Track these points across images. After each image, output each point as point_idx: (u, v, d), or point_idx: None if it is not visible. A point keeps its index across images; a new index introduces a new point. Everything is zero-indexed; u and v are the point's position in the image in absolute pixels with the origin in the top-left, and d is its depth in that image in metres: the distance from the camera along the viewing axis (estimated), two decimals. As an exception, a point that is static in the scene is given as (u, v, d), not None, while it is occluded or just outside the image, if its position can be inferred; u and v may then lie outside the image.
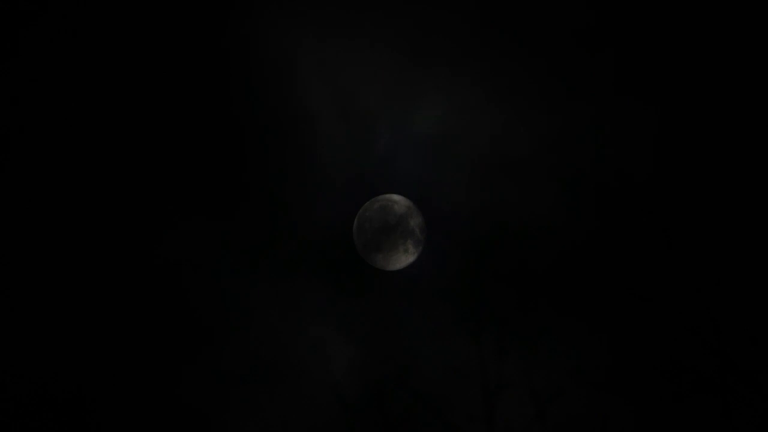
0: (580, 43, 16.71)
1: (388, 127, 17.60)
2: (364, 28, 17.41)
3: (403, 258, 17.77)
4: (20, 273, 16.59)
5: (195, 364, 16.70)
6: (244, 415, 16.64)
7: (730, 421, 15.19)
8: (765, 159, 15.88)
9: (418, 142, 17.59)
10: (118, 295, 16.68)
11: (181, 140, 17.28)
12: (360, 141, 17.60)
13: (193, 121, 17.27)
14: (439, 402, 16.36)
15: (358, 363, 16.81)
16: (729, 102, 16.18)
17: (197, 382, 16.59)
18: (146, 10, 17.22)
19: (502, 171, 17.00)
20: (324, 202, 17.48)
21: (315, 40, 17.39)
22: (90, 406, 16.21)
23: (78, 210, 16.97)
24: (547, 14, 17.02)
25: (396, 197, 17.87)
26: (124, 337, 16.55)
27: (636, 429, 15.70)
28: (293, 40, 17.40)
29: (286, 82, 17.36)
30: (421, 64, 17.39)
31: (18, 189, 16.84)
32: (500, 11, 17.14)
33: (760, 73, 16.12)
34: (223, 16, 17.30)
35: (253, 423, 16.58)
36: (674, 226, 16.08)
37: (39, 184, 16.92)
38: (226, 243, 17.13)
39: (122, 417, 16.22)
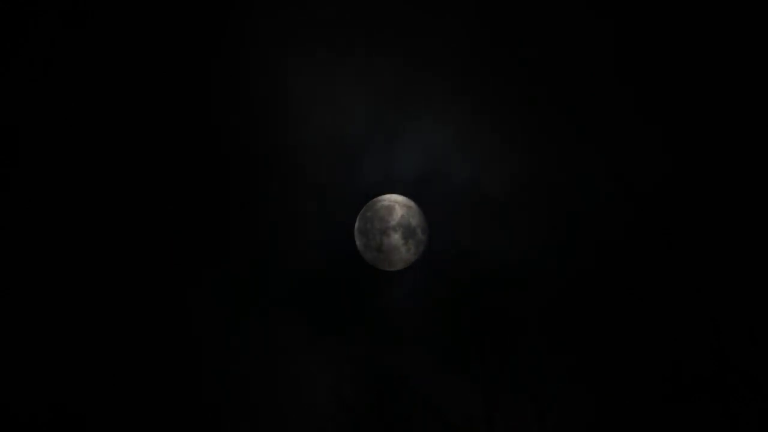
0: (570, 81, 16.94)
1: (376, 164, 17.87)
2: (351, 73, 17.66)
3: (405, 258, 17.89)
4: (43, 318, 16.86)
5: (205, 367, 16.99)
6: (249, 417, 16.89)
7: (730, 421, 15.39)
8: (763, 161, 16.07)
9: (405, 181, 17.93)
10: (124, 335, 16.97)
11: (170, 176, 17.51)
12: (346, 175, 17.84)
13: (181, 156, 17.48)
14: (439, 402, 16.60)
15: (359, 364, 17.02)
16: (723, 105, 16.39)
17: (209, 386, 16.90)
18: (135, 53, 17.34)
19: (490, 210, 17.26)
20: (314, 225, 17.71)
21: (304, 77, 17.60)
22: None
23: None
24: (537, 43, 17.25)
25: (398, 197, 18.02)
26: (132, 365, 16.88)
27: (636, 429, 15.91)
28: (281, 72, 17.65)
29: (274, 119, 17.64)
30: (406, 102, 17.63)
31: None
32: (493, 45, 17.37)
33: (750, 76, 16.33)
34: (209, 58, 17.40)
35: (258, 424, 16.86)
36: (674, 227, 16.27)
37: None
38: (230, 269, 17.37)
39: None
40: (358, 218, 18.04)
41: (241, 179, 17.57)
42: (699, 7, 16.69)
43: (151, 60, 17.33)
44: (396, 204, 18.02)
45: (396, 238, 17.86)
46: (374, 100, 17.59)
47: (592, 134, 16.97)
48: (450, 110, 17.46)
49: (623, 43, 16.94)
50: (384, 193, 18.09)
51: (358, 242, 18.00)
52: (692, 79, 16.50)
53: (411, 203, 17.99)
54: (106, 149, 17.31)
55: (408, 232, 17.88)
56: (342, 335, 17.17)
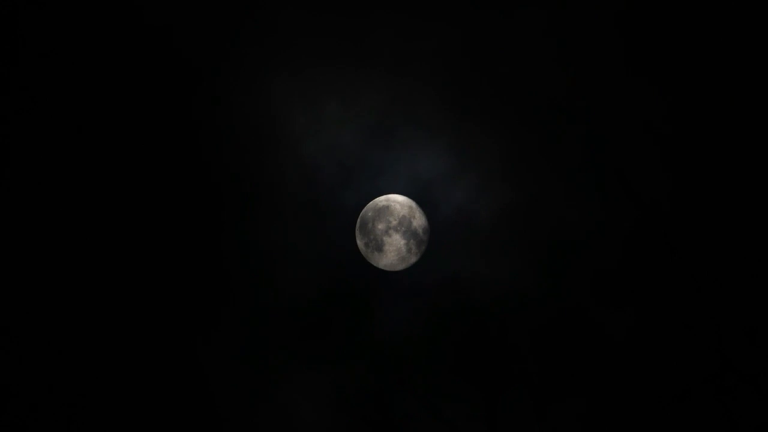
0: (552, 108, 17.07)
1: (358, 192, 18.03)
2: (333, 104, 17.79)
3: (406, 259, 18.06)
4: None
5: (205, 370, 17.24)
6: (249, 418, 17.12)
7: (730, 421, 15.57)
8: (764, 158, 16.21)
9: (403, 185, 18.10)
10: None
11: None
12: (327, 210, 17.99)
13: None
14: (439, 402, 16.84)
15: (360, 364, 17.24)
16: (720, 104, 16.56)
17: (210, 386, 17.14)
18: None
19: (472, 238, 17.43)
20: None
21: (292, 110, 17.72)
22: None
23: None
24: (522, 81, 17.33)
25: (399, 197, 18.14)
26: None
27: (636, 429, 16.10)
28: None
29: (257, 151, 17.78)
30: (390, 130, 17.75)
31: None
32: (477, 78, 17.49)
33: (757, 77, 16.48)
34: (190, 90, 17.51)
35: (259, 425, 17.10)
36: (674, 226, 16.42)
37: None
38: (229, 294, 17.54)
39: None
40: (359, 218, 18.14)
41: (236, 182, 17.71)
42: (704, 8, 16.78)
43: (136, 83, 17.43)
44: (397, 204, 18.12)
45: (397, 238, 17.97)
46: (372, 112, 17.74)
47: (593, 137, 17.12)
48: (448, 129, 17.62)
49: (627, 47, 17.02)
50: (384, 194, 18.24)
51: (358, 242, 18.12)
52: (697, 84, 16.66)
53: (412, 203, 18.12)
54: (99, 157, 17.45)
55: (409, 233, 17.99)
56: (342, 337, 17.40)
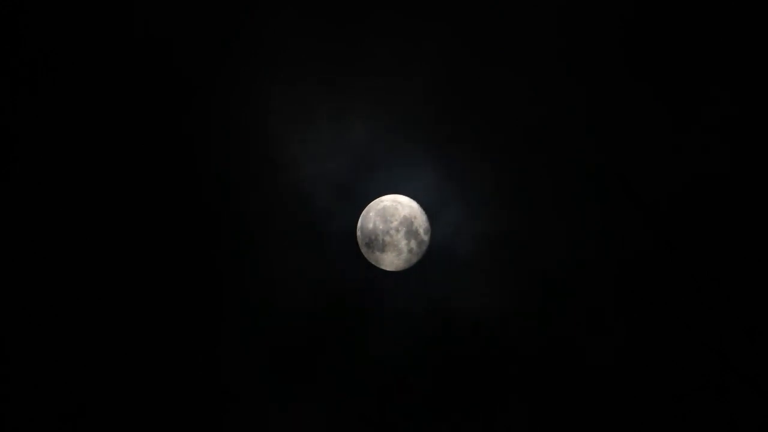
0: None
1: (352, 211, 18.18)
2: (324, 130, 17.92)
3: (407, 259, 18.22)
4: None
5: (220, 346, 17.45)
6: (246, 416, 17.35)
7: (730, 421, 15.73)
8: (764, 157, 16.35)
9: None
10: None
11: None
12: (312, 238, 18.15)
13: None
14: (440, 401, 17.07)
15: (357, 380, 17.49)
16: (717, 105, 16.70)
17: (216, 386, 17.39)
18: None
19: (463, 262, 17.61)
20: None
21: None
22: None
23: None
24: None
25: (401, 198, 18.29)
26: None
27: (636, 428, 16.27)
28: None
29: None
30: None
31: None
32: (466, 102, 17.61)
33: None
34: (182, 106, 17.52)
35: (254, 425, 17.37)
36: (673, 226, 16.57)
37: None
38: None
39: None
40: (360, 219, 18.27)
41: (231, 201, 17.87)
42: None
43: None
44: (398, 204, 18.24)
45: (398, 238, 18.11)
46: (367, 131, 17.90)
47: (595, 133, 17.25)
48: (443, 151, 17.79)
49: (632, 51, 17.13)
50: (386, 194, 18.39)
51: (360, 243, 18.26)
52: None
53: (413, 203, 18.25)
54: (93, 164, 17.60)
55: (410, 233, 18.13)
56: (341, 353, 17.60)
